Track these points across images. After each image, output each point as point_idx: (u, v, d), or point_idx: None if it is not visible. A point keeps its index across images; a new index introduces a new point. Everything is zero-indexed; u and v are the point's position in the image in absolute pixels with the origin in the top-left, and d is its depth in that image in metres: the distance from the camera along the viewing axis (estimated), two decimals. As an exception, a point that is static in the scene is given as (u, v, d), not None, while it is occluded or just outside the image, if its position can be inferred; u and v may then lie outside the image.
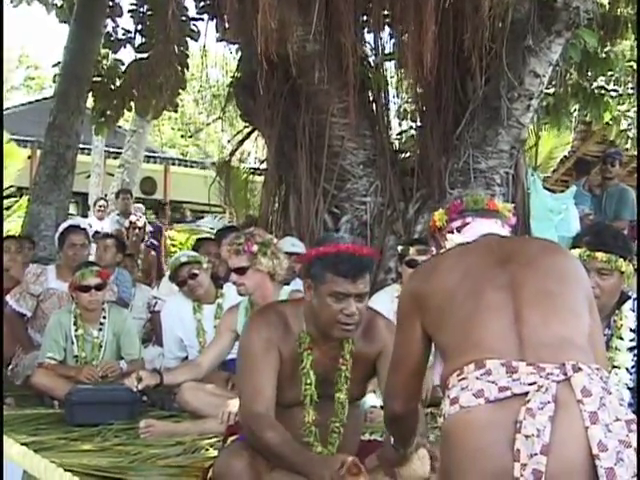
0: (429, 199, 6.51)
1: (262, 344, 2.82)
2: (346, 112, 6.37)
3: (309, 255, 2.93)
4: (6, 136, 12.93)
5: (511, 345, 1.93)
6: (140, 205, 12.33)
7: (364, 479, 2.43)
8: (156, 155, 20.35)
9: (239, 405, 2.92)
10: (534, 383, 1.84)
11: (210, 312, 5.26)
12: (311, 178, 6.60)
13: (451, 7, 5.92)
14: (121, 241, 7.23)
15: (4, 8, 7.13)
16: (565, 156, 11.93)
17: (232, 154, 8.21)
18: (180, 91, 9.38)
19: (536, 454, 1.75)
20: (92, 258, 6.38)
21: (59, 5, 9.67)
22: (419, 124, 7.20)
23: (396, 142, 7.39)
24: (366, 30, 7.07)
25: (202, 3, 8.51)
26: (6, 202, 12.94)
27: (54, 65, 9.48)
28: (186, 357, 5.28)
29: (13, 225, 11.79)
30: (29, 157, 15.46)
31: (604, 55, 7.77)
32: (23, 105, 21.66)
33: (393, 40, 6.98)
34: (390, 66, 7.26)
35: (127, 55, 9.37)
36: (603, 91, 8.41)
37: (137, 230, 9.84)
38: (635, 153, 9.38)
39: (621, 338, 3.12)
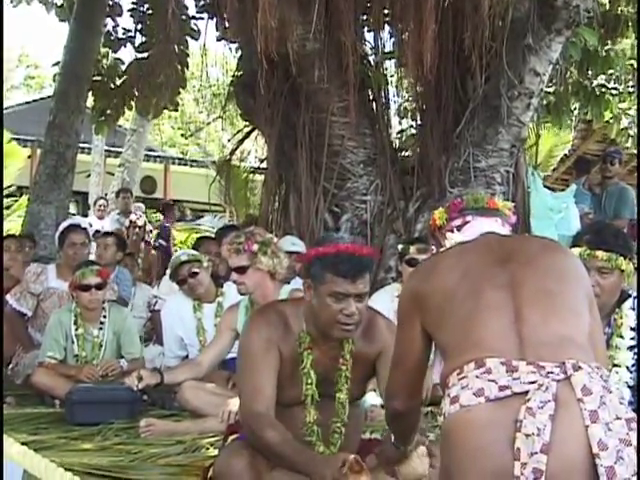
0: (429, 198, 6.51)
1: (262, 344, 2.82)
2: (346, 111, 6.37)
3: (309, 255, 2.92)
4: (7, 136, 12.94)
5: (511, 344, 1.93)
6: (140, 204, 12.33)
7: (366, 477, 2.43)
8: (156, 154, 20.36)
9: (239, 404, 2.92)
10: (534, 382, 1.83)
11: (210, 311, 5.27)
12: (311, 177, 6.60)
13: (451, 6, 5.92)
14: (121, 239, 7.23)
15: (4, 8, 7.13)
16: (565, 155, 11.94)
17: (232, 153, 8.21)
18: (180, 90, 9.38)
19: (536, 453, 1.75)
20: (92, 257, 6.38)
21: (59, 4, 9.68)
22: (419, 123, 7.20)
23: (396, 141, 7.38)
24: (366, 29, 7.08)
25: (202, 2, 8.53)
26: (6, 201, 12.95)
27: (54, 64, 9.47)
28: (186, 356, 5.29)
29: (13, 224, 11.80)
30: (29, 156, 15.46)
31: (604, 53, 7.76)
32: (23, 104, 21.66)
33: (393, 39, 6.98)
34: (390, 65, 7.28)
35: (127, 54, 9.38)
36: (603, 89, 8.41)
37: (137, 229, 9.85)
38: (635, 151, 9.38)
39: (621, 337, 3.12)
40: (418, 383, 2.29)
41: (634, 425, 1.80)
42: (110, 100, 9.41)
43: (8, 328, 5.61)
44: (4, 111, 11.00)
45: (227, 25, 7.15)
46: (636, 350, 3.13)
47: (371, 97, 6.93)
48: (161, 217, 12.73)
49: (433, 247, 2.55)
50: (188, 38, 8.92)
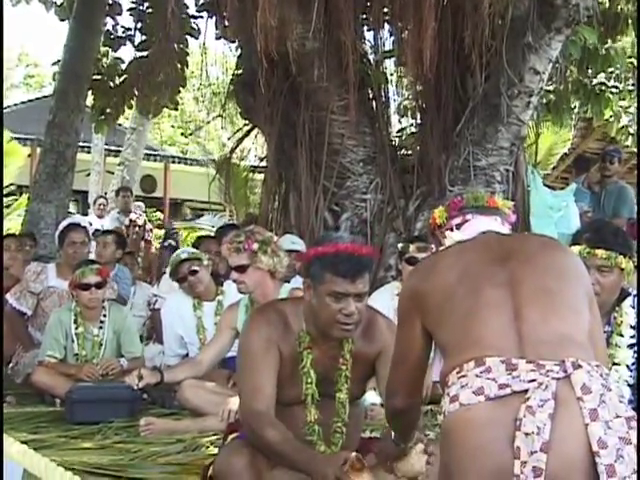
0: (429, 196, 6.51)
1: (262, 343, 2.82)
2: (346, 109, 6.37)
3: (308, 255, 2.92)
4: (6, 135, 12.93)
5: (511, 342, 1.93)
6: (140, 203, 12.32)
7: (367, 475, 2.43)
8: (156, 153, 20.36)
9: (239, 403, 2.91)
10: (534, 380, 1.83)
11: (210, 309, 5.27)
12: (311, 176, 6.60)
13: (450, 4, 5.94)
14: (121, 237, 7.23)
15: (4, 7, 7.13)
16: (565, 153, 11.94)
17: (232, 152, 8.21)
18: (180, 89, 9.38)
19: (536, 451, 1.75)
20: (92, 256, 6.38)
21: (58, 3, 9.66)
22: (419, 121, 7.20)
23: (396, 139, 7.39)
24: (366, 27, 7.08)
25: (202, 1, 8.53)
26: (6, 200, 12.96)
27: (54, 63, 9.48)
28: (186, 354, 5.28)
29: (13, 223, 11.81)
30: (29, 155, 15.46)
31: (604, 51, 7.76)
32: (23, 103, 21.69)
33: (393, 37, 6.99)
34: (390, 63, 7.29)
35: (127, 53, 9.38)
36: (603, 87, 8.42)
37: (137, 228, 9.84)
38: (635, 150, 9.39)
39: (621, 335, 3.12)
40: (418, 381, 2.30)
41: (634, 423, 1.80)
42: (110, 99, 9.41)
43: (8, 327, 5.61)
44: (4, 110, 11.01)
45: (227, 24, 7.15)
46: (636, 348, 3.13)
47: (371, 96, 6.93)
48: (161, 216, 12.74)
49: (433, 246, 2.55)
50: (188, 37, 8.92)
